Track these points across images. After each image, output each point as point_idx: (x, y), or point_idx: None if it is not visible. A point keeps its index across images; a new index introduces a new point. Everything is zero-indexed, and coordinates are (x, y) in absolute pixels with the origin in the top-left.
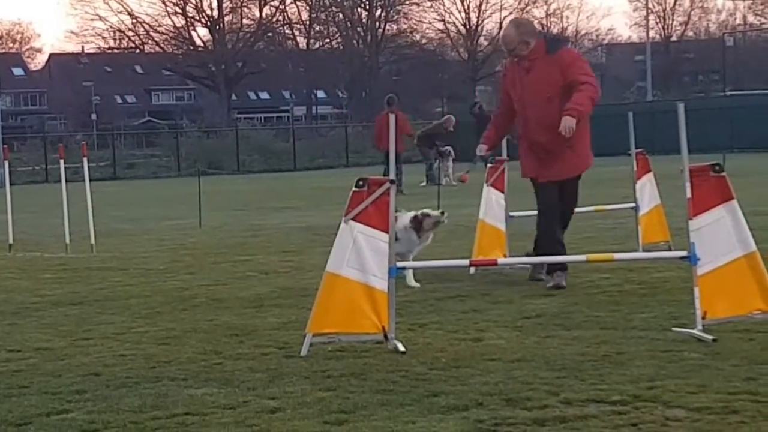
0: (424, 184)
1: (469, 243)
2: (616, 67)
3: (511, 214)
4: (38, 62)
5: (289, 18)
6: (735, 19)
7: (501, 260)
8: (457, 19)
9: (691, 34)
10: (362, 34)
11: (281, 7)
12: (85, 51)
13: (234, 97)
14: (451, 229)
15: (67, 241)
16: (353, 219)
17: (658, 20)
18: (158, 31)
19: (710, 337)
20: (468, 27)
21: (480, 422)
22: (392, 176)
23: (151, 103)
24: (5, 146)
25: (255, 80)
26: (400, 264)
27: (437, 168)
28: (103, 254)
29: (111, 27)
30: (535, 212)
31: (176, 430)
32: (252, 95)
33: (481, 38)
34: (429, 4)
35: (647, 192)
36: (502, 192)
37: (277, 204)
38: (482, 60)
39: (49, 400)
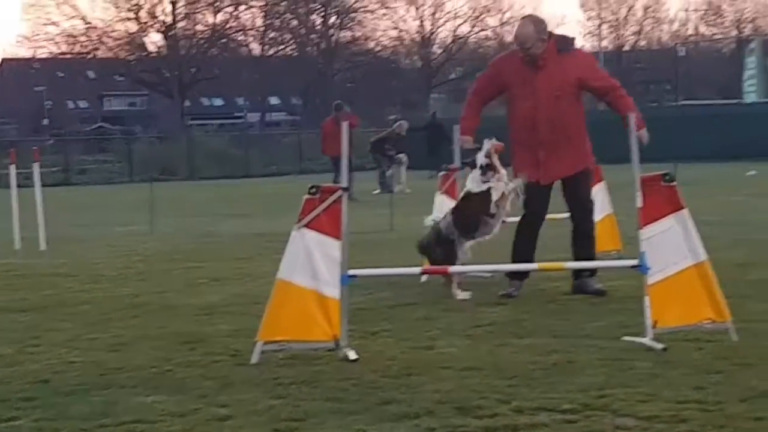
0: (377, 191)
1: None
2: None
3: None
4: None
5: (243, 24)
6: (687, 29)
7: (453, 268)
8: (411, 27)
9: (643, 43)
10: (316, 41)
11: (235, 13)
12: (38, 56)
13: (187, 103)
14: (403, 236)
15: (17, 246)
16: (305, 226)
17: (611, 30)
18: (111, 37)
19: (660, 346)
20: (422, 35)
21: (431, 430)
22: (344, 183)
23: (103, 109)
24: None
25: (209, 86)
26: (351, 271)
27: (390, 175)
28: (53, 260)
29: (63, 32)
30: None
31: None
32: (205, 101)
33: (435, 46)
34: (383, 12)
35: (599, 201)
36: (455, 200)
37: (230, 210)
38: (436, 68)
39: None
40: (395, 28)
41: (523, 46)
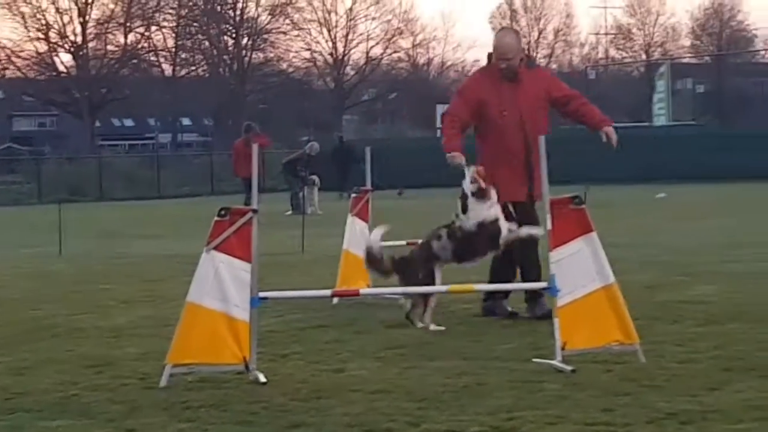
0: (289, 212)
1: (332, 273)
2: None
3: None
4: None
5: (154, 45)
6: (597, 52)
7: (364, 290)
8: (324, 48)
9: (554, 66)
10: (229, 62)
11: (146, 33)
12: None
13: (98, 123)
14: (315, 258)
15: None
16: (215, 249)
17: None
18: (20, 56)
19: (569, 368)
20: (335, 56)
21: None
22: (255, 205)
23: (12, 129)
24: None
25: (119, 107)
26: (262, 294)
27: (302, 196)
28: None
29: None
30: (399, 243)
31: None
32: (116, 122)
33: (348, 68)
34: (296, 33)
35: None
36: (366, 222)
37: (140, 232)
38: (349, 89)
39: None
40: (308, 49)
41: (505, 57)
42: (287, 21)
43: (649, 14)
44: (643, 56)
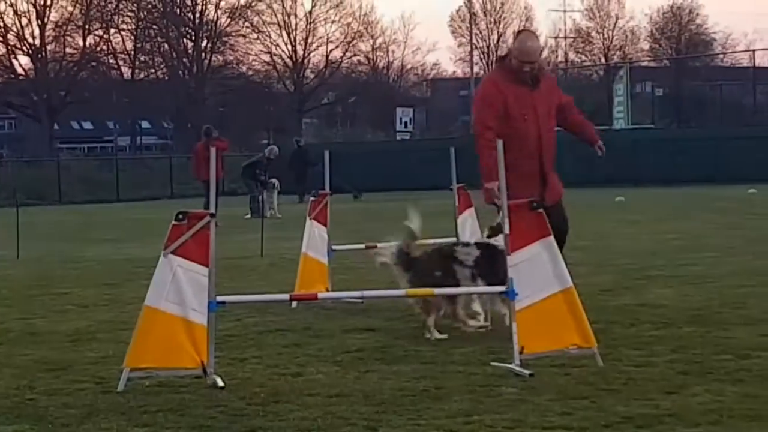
0: (248, 216)
1: (291, 276)
2: (441, 102)
3: (334, 247)
4: None
5: (113, 47)
6: (557, 56)
7: (322, 294)
8: (283, 51)
9: None
10: (188, 64)
11: (105, 36)
12: None
13: (56, 126)
14: (273, 262)
15: None
16: (172, 252)
17: (482, 56)
18: None
19: (527, 371)
20: (294, 60)
21: None
22: (212, 209)
23: None
24: None
25: (78, 110)
26: (220, 298)
27: (261, 200)
28: None
29: None
30: (357, 246)
31: None
32: (75, 125)
33: (308, 71)
34: (255, 36)
35: (468, 227)
36: (325, 225)
37: (99, 235)
38: (309, 93)
39: None
40: (268, 52)
41: (531, 59)
42: (247, 24)
43: (608, 18)
44: (603, 60)
